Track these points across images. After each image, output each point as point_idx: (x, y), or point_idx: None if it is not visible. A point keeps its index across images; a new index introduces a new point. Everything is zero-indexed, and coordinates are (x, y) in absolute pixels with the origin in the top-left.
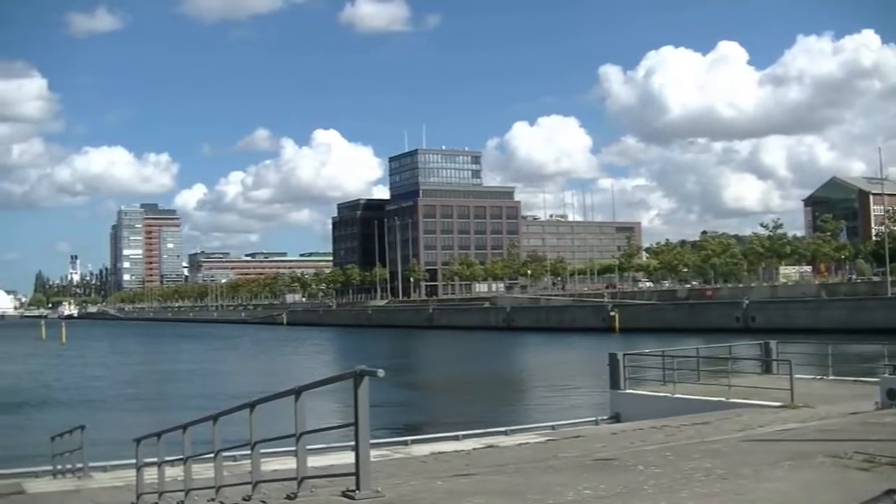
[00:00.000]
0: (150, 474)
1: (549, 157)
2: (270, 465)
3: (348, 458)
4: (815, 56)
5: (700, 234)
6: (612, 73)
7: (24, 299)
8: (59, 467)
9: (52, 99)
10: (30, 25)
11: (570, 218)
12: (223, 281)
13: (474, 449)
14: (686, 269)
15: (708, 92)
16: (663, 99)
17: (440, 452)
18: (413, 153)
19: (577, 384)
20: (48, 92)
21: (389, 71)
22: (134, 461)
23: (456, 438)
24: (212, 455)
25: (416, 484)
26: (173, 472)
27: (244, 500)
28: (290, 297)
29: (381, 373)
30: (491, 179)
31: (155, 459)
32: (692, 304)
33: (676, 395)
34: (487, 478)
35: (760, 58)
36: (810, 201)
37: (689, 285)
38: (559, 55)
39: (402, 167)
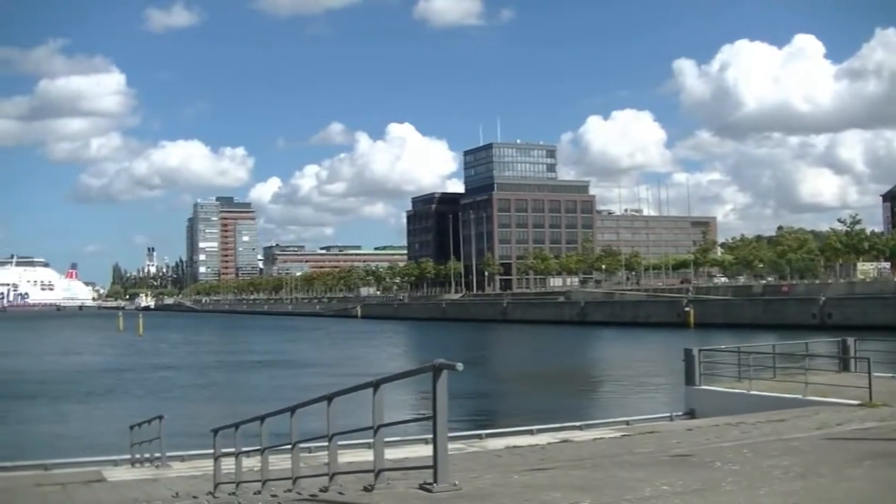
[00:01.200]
0: (227, 464)
1: (623, 151)
2: (346, 458)
3: (422, 451)
4: (893, 49)
5: (776, 229)
6: (686, 67)
7: (101, 291)
8: (138, 456)
9: (129, 94)
10: (108, 22)
11: (645, 212)
12: (298, 274)
13: (549, 443)
14: (761, 265)
15: (784, 86)
16: (738, 93)
17: (515, 446)
18: (488, 147)
19: (650, 379)
20: (126, 87)
21: (463, 65)
22: (211, 451)
23: (530, 433)
24: (289, 446)
25: (492, 478)
26: (250, 463)
27: (321, 491)
28: (364, 291)
29: (459, 366)
30: (565, 174)
31: (232, 450)
32: (768, 300)
33: (752, 392)
34: (563, 472)
35: (837, 51)
36: (889, 196)
37: (764, 281)
38: (633, 49)
39: (477, 161)
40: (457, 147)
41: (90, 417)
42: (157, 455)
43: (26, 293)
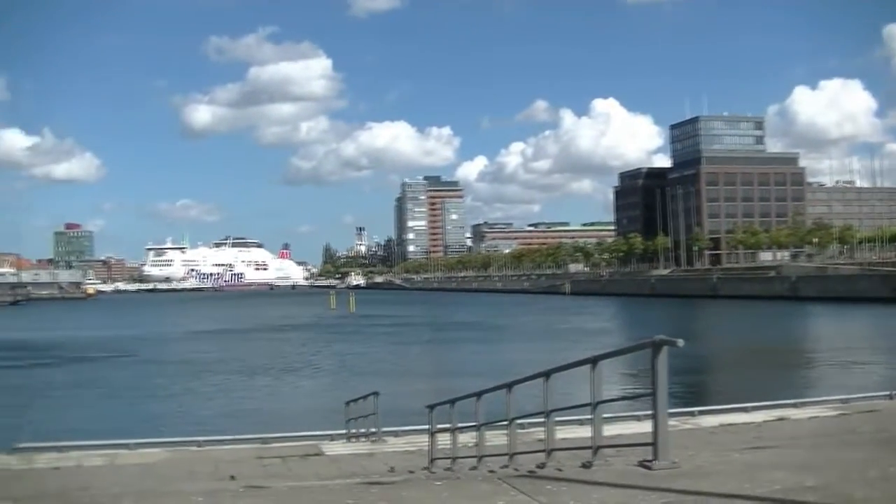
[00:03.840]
0: (443, 440)
1: (832, 121)
2: (560, 434)
3: (634, 427)
4: None
5: None
6: None
7: (313, 270)
8: (353, 431)
9: (336, 78)
10: (314, 8)
11: (857, 184)
12: (506, 251)
13: (764, 421)
14: None
15: None
16: None
17: (729, 424)
18: (694, 120)
19: (866, 356)
20: (332, 71)
21: (666, 39)
22: (426, 427)
23: (744, 410)
24: (505, 422)
25: (710, 455)
26: (464, 439)
27: (538, 467)
28: (572, 267)
29: (680, 342)
30: (773, 146)
31: (448, 425)
32: None
33: None
34: (783, 451)
35: None
36: None
37: None
38: (840, 16)
39: (684, 135)
40: (662, 122)
41: (307, 393)
42: (373, 430)
43: (241, 273)
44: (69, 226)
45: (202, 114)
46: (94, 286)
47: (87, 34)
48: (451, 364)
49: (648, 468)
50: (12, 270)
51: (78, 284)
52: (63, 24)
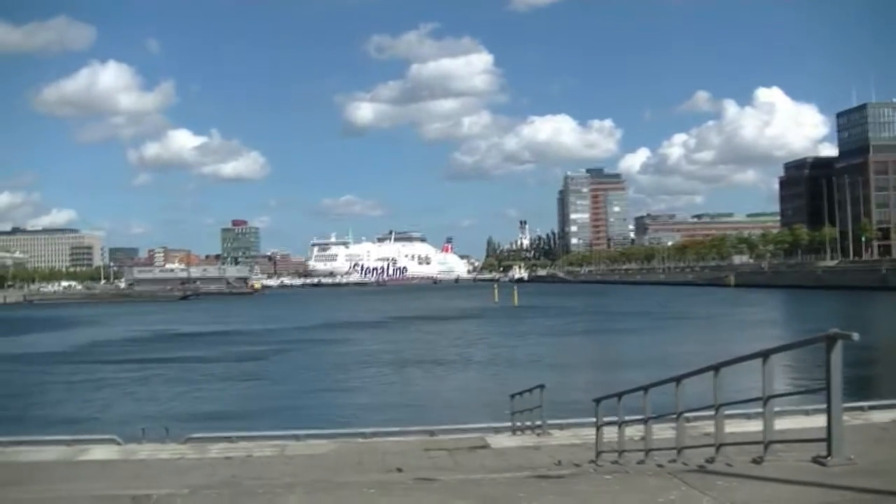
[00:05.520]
0: (609, 434)
1: None
2: (728, 428)
3: (804, 422)
4: None
5: None
6: None
7: (476, 263)
8: (519, 424)
9: (497, 73)
10: (475, 3)
11: None
12: (669, 243)
13: None
14: None
15: None
16: None
17: None
18: (862, 108)
19: None
20: (493, 66)
21: (831, 23)
22: (591, 420)
23: None
24: (673, 416)
25: (886, 452)
26: (630, 432)
27: (707, 462)
28: (736, 259)
29: (855, 336)
30: None
31: (615, 418)
32: None
33: None
34: None
35: None
36: None
37: None
38: None
39: (851, 123)
40: (827, 110)
41: (471, 385)
42: (538, 423)
43: (404, 267)
44: (236, 222)
45: (364, 111)
46: (260, 281)
47: (252, 39)
48: (615, 356)
49: (823, 464)
50: (182, 266)
51: (244, 279)
52: (229, 31)
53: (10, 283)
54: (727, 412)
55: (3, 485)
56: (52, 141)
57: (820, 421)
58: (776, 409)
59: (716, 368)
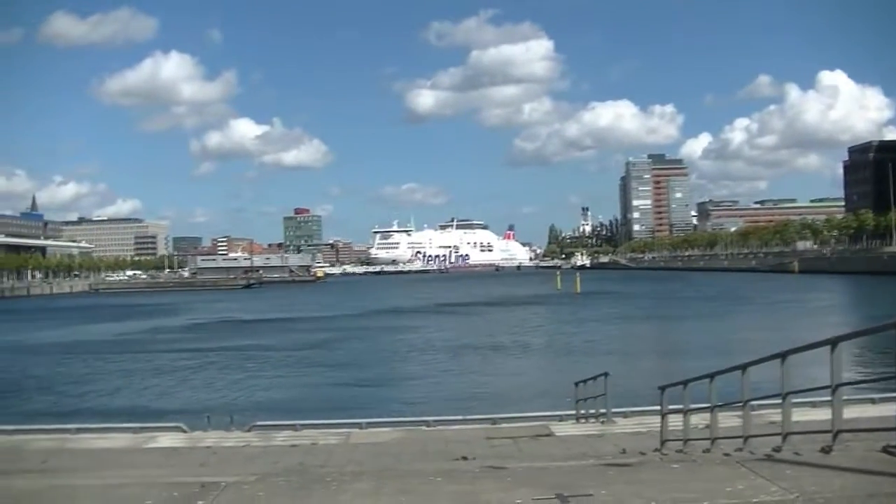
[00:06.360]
0: (674, 422)
1: None
2: (795, 417)
3: (871, 411)
4: None
5: None
6: None
7: (538, 251)
8: (583, 412)
9: (557, 59)
10: None
11: None
12: (732, 229)
13: None
14: None
15: None
16: None
17: None
18: None
19: None
20: (554, 52)
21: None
22: (655, 408)
23: None
24: (739, 404)
25: None
26: (695, 421)
27: (774, 451)
28: (800, 245)
29: None
30: None
31: (680, 406)
32: None
33: None
34: None
35: None
36: None
37: None
38: None
39: None
40: (893, 93)
41: (533, 373)
42: (602, 411)
43: (466, 254)
44: (298, 211)
45: (425, 98)
46: (322, 269)
47: (313, 27)
48: (679, 343)
49: (892, 454)
50: (245, 255)
51: (307, 268)
52: (289, 19)
53: (76, 272)
54: (794, 400)
55: (74, 471)
56: (116, 131)
57: (889, 409)
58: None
59: (783, 356)
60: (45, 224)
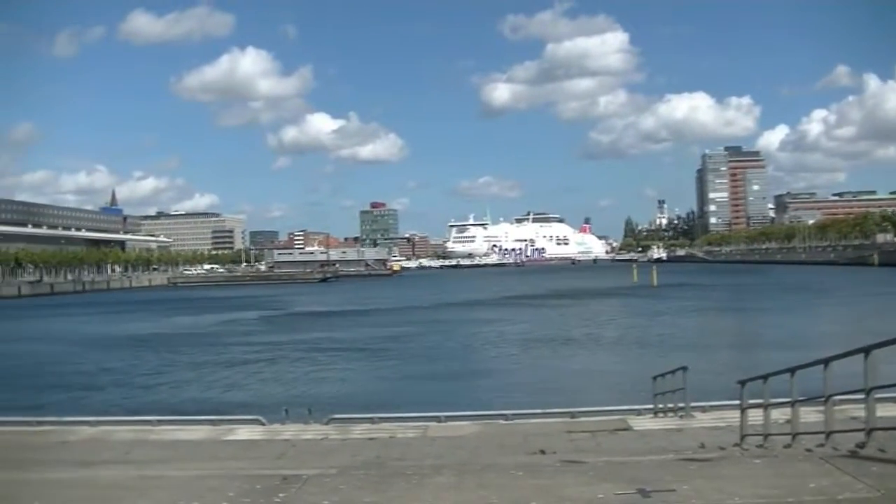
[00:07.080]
0: (753, 416)
1: None
2: (879, 413)
3: None
4: None
5: None
6: None
7: (614, 244)
8: (661, 406)
9: (633, 51)
10: None
11: None
12: (810, 222)
13: None
14: None
15: None
16: None
17: None
18: None
19: None
20: (629, 45)
21: None
22: (736, 402)
23: None
24: (821, 399)
25: None
26: (776, 416)
27: (857, 447)
28: (880, 237)
29: None
30: None
31: (760, 401)
32: None
33: None
34: None
35: None
36: None
37: None
38: None
39: None
40: None
41: (611, 366)
42: (681, 405)
43: (542, 248)
44: (374, 205)
45: (501, 92)
46: (398, 263)
47: (388, 21)
48: (757, 336)
49: None
50: (322, 249)
51: (383, 261)
52: (364, 14)
53: (154, 266)
54: (878, 395)
55: (155, 462)
56: (194, 127)
57: None
58: None
59: (867, 350)
60: (125, 219)
